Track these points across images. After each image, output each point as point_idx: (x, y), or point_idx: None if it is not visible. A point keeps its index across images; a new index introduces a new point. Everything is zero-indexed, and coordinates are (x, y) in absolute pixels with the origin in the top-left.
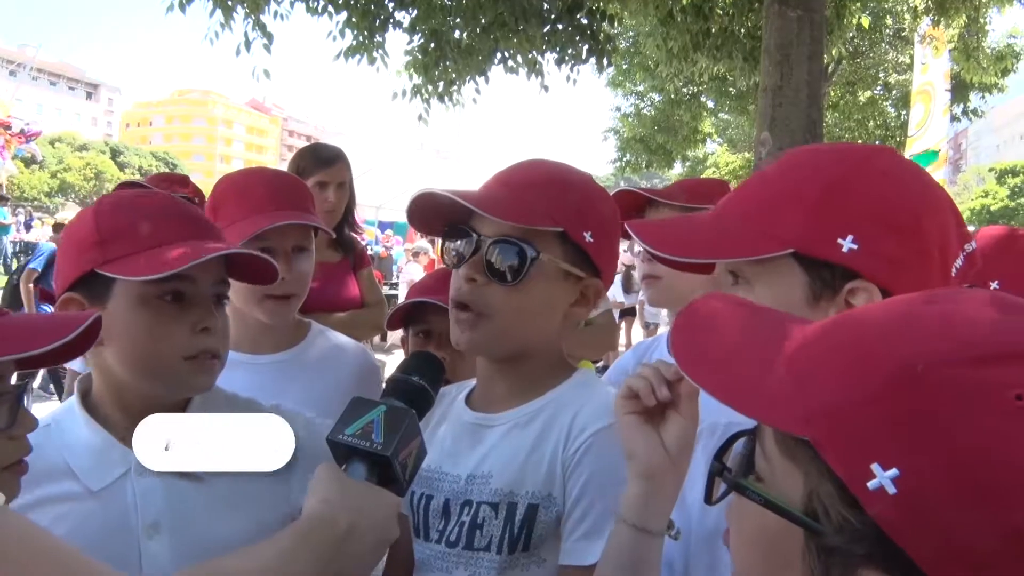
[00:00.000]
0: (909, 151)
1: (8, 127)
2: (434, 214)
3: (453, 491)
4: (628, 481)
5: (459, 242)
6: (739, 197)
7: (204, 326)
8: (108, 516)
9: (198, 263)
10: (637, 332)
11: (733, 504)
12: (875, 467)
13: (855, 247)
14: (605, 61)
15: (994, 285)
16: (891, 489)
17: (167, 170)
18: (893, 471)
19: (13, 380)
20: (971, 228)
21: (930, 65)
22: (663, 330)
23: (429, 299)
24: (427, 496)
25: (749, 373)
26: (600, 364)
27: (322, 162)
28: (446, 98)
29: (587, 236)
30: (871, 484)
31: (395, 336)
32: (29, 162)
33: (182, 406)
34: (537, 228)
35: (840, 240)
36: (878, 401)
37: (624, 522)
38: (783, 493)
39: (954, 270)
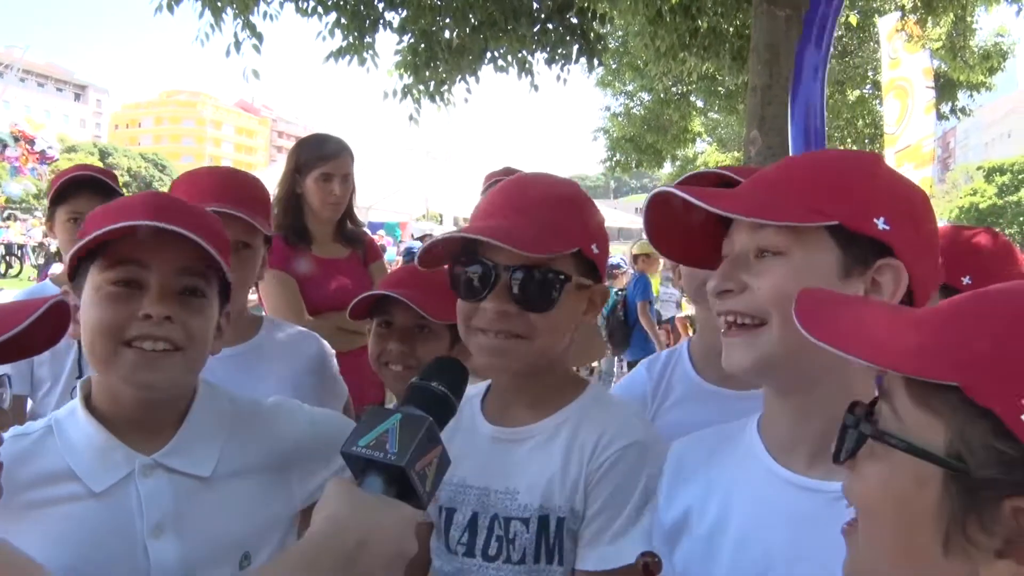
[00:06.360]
0: (891, 148)
1: (32, 143)
2: (441, 250)
3: (482, 504)
4: None
5: (469, 270)
6: (770, 180)
7: (145, 312)
8: (112, 517)
9: (114, 229)
10: None
11: (856, 478)
12: None
13: (887, 227)
14: (595, 60)
15: (966, 280)
16: None
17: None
18: None
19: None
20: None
21: (902, 60)
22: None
23: (393, 293)
24: (448, 509)
25: (884, 337)
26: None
27: (326, 154)
28: (437, 98)
29: (594, 248)
30: None
31: None
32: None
33: (183, 408)
34: (562, 253)
35: (875, 220)
36: None
37: None
38: (920, 441)
39: None
